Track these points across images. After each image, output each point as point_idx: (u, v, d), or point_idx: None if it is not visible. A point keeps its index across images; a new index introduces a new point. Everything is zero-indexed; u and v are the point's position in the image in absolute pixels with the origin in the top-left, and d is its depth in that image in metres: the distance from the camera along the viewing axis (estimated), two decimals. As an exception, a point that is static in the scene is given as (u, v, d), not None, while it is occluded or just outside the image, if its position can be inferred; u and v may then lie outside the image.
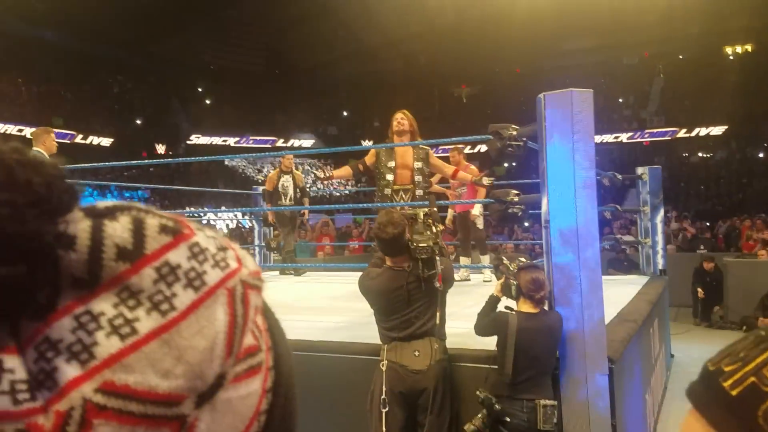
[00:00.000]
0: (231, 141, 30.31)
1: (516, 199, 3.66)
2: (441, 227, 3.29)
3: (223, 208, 21.94)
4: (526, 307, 3.10)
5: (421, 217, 3.22)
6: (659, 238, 7.40)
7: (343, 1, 28.37)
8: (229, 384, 0.39)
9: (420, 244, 3.09)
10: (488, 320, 3.15)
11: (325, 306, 5.48)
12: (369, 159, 5.32)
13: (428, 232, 3.16)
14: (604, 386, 3.07)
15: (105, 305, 0.36)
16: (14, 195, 0.34)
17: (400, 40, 33.93)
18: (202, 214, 18.15)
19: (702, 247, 10.87)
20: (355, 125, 32.09)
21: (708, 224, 16.15)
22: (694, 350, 7.60)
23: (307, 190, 8.63)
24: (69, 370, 0.34)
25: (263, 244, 8.70)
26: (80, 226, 0.37)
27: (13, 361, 0.34)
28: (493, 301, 3.25)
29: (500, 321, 3.06)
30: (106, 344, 0.35)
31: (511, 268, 3.44)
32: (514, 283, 3.08)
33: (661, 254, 7.45)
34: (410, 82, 36.23)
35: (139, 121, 29.20)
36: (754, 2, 23.93)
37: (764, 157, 25.74)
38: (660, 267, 7.41)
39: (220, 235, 0.42)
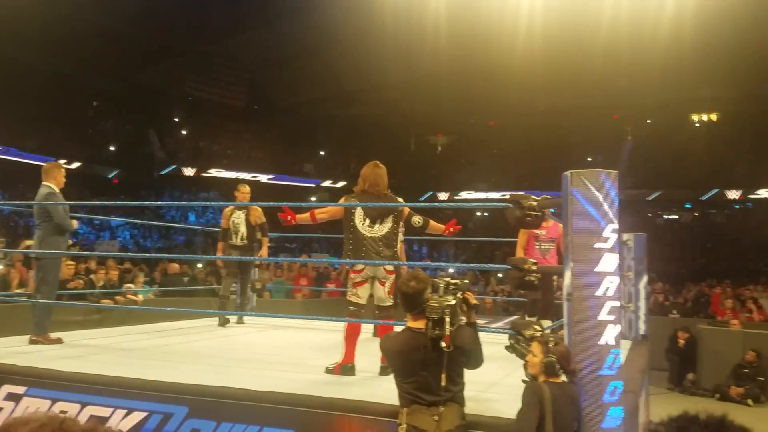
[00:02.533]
0: (213, 173, 29.92)
1: (534, 267, 3.74)
2: (471, 299, 3.30)
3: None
4: (552, 378, 3.10)
5: (444, 283, 3.28)
6: (642, 303, 7.57)
7: (325, 44, 28.81)
8: None
9: (432, 304, 3.15)
10: (526, 400, 2.98)
11: (312, 357, 4.98)
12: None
13: (449, 297, 3.21)
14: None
15: None
16: None
17: (380, 86, 34.50)
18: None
19: (674, 311, 11.11)
20: (331, 166, 32.24)
21: (673, 287, 16.49)
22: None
23: (266, 228, 7.36)
24: None
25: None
26: None
27: None
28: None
29: (537, 392, 2.98)
30: None
31: (526, 335, 3.50)
32: (554, 357, 3.07)
33: (643, 319, 7.61)
34: (387, 127, 36.73)
35: (112, 148, 28.80)
36: (720, 74, 25.08)
37: (727, 224, 26.64)
38: (642, 332, 7.56)
39: None
